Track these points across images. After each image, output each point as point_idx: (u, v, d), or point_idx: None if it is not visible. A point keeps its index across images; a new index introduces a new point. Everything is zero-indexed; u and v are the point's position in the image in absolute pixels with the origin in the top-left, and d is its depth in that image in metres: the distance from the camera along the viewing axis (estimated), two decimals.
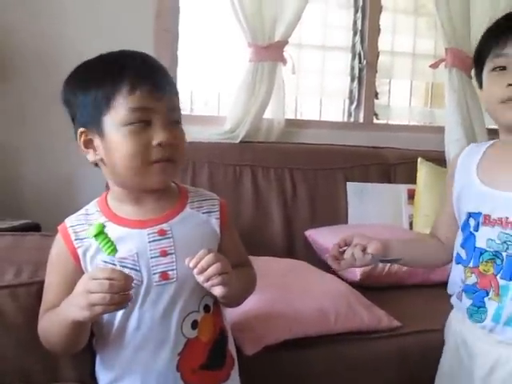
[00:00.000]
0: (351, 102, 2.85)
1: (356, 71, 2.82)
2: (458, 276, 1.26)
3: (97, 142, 1.08)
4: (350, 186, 2.50)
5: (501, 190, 1.16)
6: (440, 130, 2.81)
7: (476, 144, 1.33)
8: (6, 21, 2.22)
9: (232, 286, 1.05)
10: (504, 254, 1.14)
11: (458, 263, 1.25)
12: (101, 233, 0.97)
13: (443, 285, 2.01)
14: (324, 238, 2.23)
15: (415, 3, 2.91)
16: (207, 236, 1.15)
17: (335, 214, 2.46)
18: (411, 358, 1.66)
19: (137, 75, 1.05)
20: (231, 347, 1.23)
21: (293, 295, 1.66)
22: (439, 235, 1.37)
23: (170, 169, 1.08)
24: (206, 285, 1.03)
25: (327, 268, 2.03)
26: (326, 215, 2.43)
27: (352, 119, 2.87)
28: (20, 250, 1.39)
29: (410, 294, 1.98)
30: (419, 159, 2.59)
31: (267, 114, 2.54)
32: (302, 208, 2.42)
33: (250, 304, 1.40)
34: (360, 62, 2.80)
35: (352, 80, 2.83)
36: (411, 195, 2.56)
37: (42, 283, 1.22)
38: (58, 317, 1.05)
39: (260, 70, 2.45)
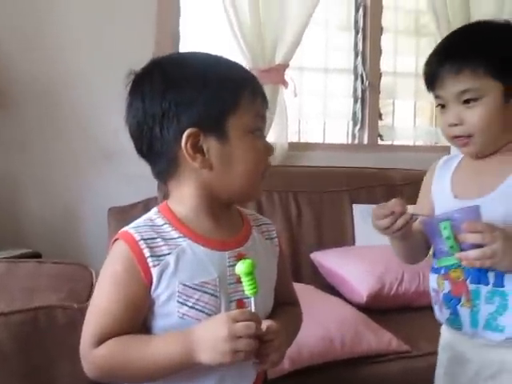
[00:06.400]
0: (355, 124, 2.83)
1: (359, 93, 2.80)
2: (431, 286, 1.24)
3: (210, 145, 0.95)
4: (357, 208, 2.46)
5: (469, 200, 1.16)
6: (445, 149, 2.76)
7: (448, 156, 1.32)
8: (1, 51, 2.21)
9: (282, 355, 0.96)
10: None
11: (432, 272, 1.23)
12: (252, 272, 0.90)
13: None
14: (330, 260, 2.19)
15: (416, 23, 2.91)
16: (272, 264, 1.08)
17: (342, 237, 2.41)
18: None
19: (254, 81, 1.00)
20: None
21: None
22: None
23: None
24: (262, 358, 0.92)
25: (333, 291, 2.00)
26: (332, 238, 2.39)
27: (356, 141, 2.84)
28: (13, 277, 1.36)
29: (418, 316, 1.92)
30: None
31: (270, 138, 2.52)
32: (307, 231, 2.38)
33: None
34: (362, 84, 2.78)
35: (355, 101, 2.81)
36: None
37: (36, 310, 1.20)
38: (150, 355, 0.91)
39: None
